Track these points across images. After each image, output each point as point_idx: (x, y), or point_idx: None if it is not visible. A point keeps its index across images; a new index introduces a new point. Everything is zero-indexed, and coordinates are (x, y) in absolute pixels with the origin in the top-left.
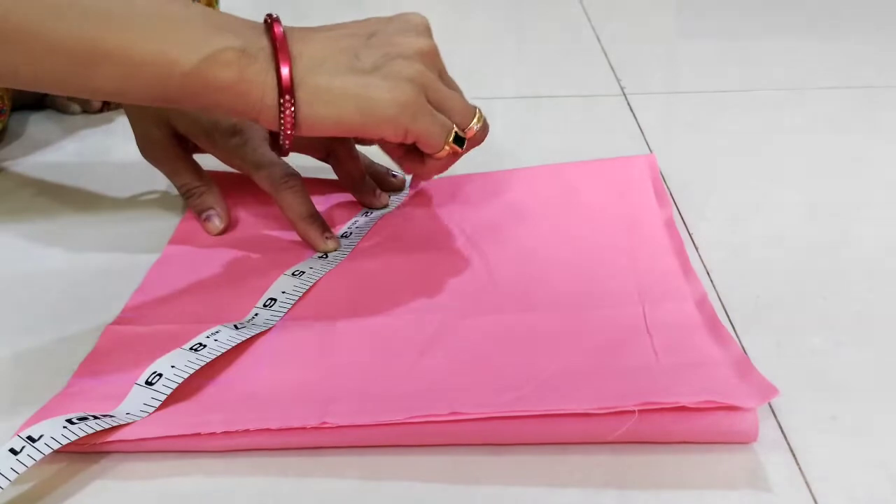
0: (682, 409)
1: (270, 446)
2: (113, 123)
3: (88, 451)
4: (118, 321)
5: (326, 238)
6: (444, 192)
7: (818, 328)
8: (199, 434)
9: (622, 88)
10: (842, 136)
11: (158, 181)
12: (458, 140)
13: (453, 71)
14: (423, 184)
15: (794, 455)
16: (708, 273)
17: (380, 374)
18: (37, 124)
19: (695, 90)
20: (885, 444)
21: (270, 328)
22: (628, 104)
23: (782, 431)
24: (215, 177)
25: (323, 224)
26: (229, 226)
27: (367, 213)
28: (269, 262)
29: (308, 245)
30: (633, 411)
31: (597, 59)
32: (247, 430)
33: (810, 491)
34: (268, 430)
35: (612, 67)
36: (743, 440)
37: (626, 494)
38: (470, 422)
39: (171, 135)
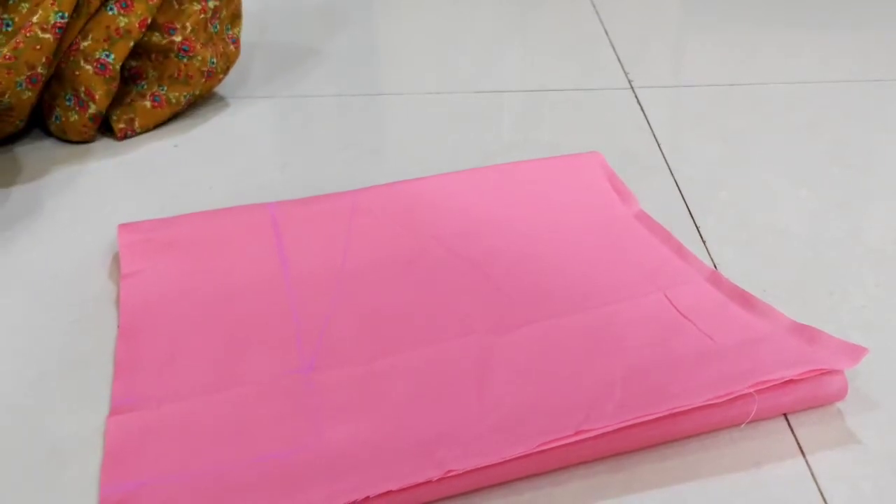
0: (789, 382)
1: None
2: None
3: None
4: (116, 410)
5: None
6: (400, 204)
7: (825, 323)
8: None
9: (630, 82)
10: (850, 130)
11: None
12: None
13: (461, 64)
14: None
15: (800, 447)
16: (715, 266)
17: (455, 410)
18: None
19: (703, 83)
20: (892, 439)
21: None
22: (636, 98)
23: (788, 423)
24: (187, 220)
25: None
26: (175, 281)
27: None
28: (241, 308)
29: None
30: (751, 394)
31: (605, 53)
32: (367, 498)
33: (817, 484)
34: (389, 492)
35: (619, 61)
36: (836, 399)
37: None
38: (594, 439)
39: None
